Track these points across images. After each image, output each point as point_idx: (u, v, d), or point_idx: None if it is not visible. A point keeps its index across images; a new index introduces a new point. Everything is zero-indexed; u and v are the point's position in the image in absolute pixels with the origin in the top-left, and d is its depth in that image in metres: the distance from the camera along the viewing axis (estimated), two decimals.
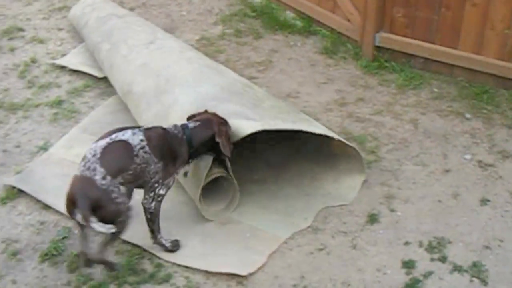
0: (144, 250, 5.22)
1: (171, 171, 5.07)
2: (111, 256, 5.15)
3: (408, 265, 5.08)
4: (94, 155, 4.76)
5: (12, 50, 7.69)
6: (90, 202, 4.57)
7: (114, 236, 4.83)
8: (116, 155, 4.83)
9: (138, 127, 5.09)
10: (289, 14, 8.05)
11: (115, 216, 4.68)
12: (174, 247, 5.24)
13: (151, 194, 5.04)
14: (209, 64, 6.39)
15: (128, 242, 5.27)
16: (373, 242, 5.27)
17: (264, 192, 5.74)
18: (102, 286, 4.98)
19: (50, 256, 5.25)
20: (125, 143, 4.86)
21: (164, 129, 5.09)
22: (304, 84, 6.97)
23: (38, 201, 5.66)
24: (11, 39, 7.95)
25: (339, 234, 5.35)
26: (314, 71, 7.21)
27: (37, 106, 6.85)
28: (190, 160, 5.22)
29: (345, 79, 7.07)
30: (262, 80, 6.97)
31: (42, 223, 5.44)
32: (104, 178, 4.67)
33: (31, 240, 5.38)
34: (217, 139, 5.09)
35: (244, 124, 5.27)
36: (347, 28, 7.48)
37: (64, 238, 5.39)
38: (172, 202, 5.51)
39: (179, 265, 5.11)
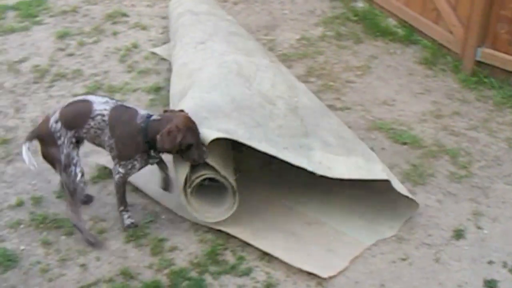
0: (228, 242, 5.29)
1: (127, 155, 5.16)
2: (194, 243, 5.25)
3: (490, 284, 4.97)
4: (64, 104, 5.27)
5: (114, 34, 7.86)
6: (36, 133, 5.20)
7: (67, 192, 5.24)
8: (75, 110, 5.19)
9: (122, 101, 5.45)
10: (391, 22, 8.01)
11: (52, 159, 5.17)
12: (130, 226, 5.40)
13: (114, 167, 5.25)
14: (247, 72, 6.03)
15: (213, 231, 5.35)
16: (456, 258, 5.19)
17: (352, 196, 5.69)
18: (183, 272, 5.04)
19: (135, 237, 5.34)
20: (88, 104, 5.17)
21: (136, 113, 5.17)
22: (400, 92, 6.92)
23: (128, 183, 5.78)
24: (114, 23, 8.12)
25: (423, 246, 5.29)
26: (412, 81, 7.15)
27: (134, 90, 6.99)
28: (153, 153, 5.22)
29: (442, 91, 7.00)
30: (359, 85, 6.95)
31: (130, 205, 5.53)
32: (56, 122, 5.11)
33: (118, 220, 5.49)
34: (158, 136, 5.04)
35: (210, 132, 5.19)
36: (448, 40, 7.41)
37: (150, 221, 5.48)
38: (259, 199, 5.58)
39: (260, 260, 5.13)
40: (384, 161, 5.67)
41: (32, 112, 6.64)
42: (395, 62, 7.40)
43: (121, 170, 5.22)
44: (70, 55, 7.55)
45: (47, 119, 5.18)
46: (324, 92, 6.82)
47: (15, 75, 7.26)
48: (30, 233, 5.42)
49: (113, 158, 5.25)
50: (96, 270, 5.11)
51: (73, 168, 5.16)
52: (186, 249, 5.24)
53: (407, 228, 5.42)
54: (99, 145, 5.31)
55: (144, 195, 5.71)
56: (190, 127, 5.03)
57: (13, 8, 8.56)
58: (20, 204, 5.64)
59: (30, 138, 5.19)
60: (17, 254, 5.25)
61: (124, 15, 8.25)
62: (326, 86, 6.90)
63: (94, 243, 5.29)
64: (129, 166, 5.21)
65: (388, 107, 6.69)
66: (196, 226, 5.42)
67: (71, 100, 5.35)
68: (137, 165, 5.25)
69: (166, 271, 5.07)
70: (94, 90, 6.91)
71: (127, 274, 5.03)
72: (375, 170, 5.43)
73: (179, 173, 5.31)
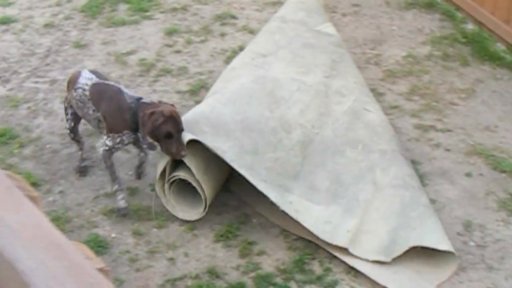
0: (317, 252, 5.28)
1: (116, 129, 5.36)
2: (283, 250, 5.27)
3: None
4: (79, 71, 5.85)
5: (222, 35, 7.94)
6: None
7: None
8: (70, 78, 5.76)
9: (114, 83, 5.73)
10: (500, 47, 7.86)
11: None
12: (121, 210, 5.55)
13: (102, 140, 5.47)
14: (281, 93, 5.99)
15: (303, 240, 5.35)
16: None
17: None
18: (268, 277, 5.06)
19: (225, 238, 5.39)
20: (77, 74, 5.69)
21: (120, 90, 5.46)
22: (504, 119, 6.77)
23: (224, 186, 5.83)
24: (223, 24, 8.20)
25: None
26: None
27: None
28: (139, 132, 5.40)
29: None
30: (462, 108, 6.83)
31: (224, 204, 5.59)
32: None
33: (209, 219, 5.54)
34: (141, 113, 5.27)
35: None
36: None
37: (241, 223, 5.52)
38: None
39: (347, 274, 5.11)
40: (481, 188, 5.58)
41: None
42: (501, 88, 7.25)
43: (108, 142, 5.39)
44: (177, 52, 7.66)
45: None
46: (426, 112, 6.74)
47: (122, 66, 7.41)
48: (122, 222, 5.53)
49: (101, 132, 5.54)
50: (183, 265, 5.18)
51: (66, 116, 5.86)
52: (274, 255, 5.26)
53: (498, 257, 5.31)
54: (83, 117, 5.69)
55: (237, 197, 5.76)
56: (174, 117, 5.22)
57: (125, 1, 8.74)
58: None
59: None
60: (107, 241, 5.37)
61: (233, 17, 8.32)
62: (429, 106, 6.81)
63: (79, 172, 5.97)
64: (117, 140, 5.39)
65: (490, 133, 6.56)
66: (286, 232, 5.44)
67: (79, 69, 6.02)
68: (125, 141, 5.45)
69: (252, 274, 5.10)
70: (197, 88, 6.99)
71: (213, 273, 5.09)
72: (341, 231, 5.30)
73: (158, 165, 5.54)
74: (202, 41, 7.85)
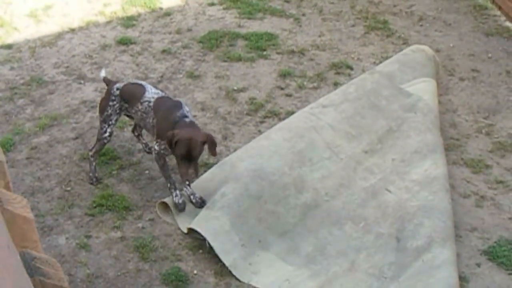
0: None
1: (161, 136, 5.73)
2: None
3: None
4: (128, 82, 6.44)
5: (335, 84, 7.84)
6: (106, 83, 6.44)
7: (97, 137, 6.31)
8: (132, 89, 6.13)
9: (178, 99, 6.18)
10: None
11: (100, 109, 6.23)
12: (179, 206, 5.84)
13: (153, 145, 5.95)
14: (311, 155, 6.22)
15: None
16: None
17: None
18: None
19: None
20: (141, 89, 6.06)
21: (180, 105, 5.83)
22: None
23: None
24: (337, 73, 8.14)
25: None
26: None
27: None
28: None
29: None
30: None
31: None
32: (117, 89, 6.17)
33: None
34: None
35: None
36: None
37: None
38: None
39: None
40: None
41: (238, 143, 6.75)
42: None
43: (156, 147, 5.82)
44: (288, 95, 7.64)
45: (115, 82, 6.31)
46: None
47: (231, 103, 7.43)
48: (206, 260, 5.51)
49: (153, 135, 5.95)
50: None
51: (106, 126, 6.13)
52: None
53: None
54: (144, 127, 6.13)
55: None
56: (189, 143, 5.45)
57: (244, 37, 8.80)
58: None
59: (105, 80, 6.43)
60: (188, 276, 5.35)
61: (349, 67, 8.25)
62: None
63: (93, 182, 6.24)
64: (162, 146, 5.75)
65: None
66: None
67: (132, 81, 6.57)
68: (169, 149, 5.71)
69: None
70: None
71: None
72: None
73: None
74: (315, 88, 7.80)
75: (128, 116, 6.33)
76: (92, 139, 6.66)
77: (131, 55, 8.27)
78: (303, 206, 5.83)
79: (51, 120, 7.05)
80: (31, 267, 2.26)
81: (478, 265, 5.58)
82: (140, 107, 5.96)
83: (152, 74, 7.90)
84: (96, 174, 6.26)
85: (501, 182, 6.49)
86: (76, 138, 6.81)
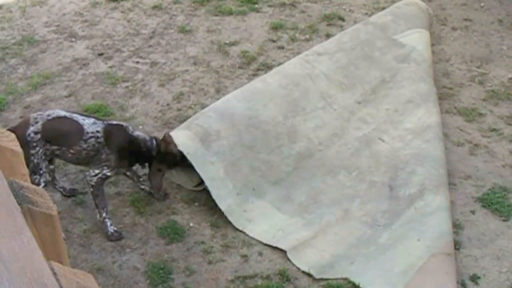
0: None
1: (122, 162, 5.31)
2: None
3: None
4: (49, 115, 5.15)
5: (327, 35, 7.81)
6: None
7: None
8: (60, 128, 5.13)
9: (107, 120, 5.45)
10: None
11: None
12: (115, 236, 5.31)
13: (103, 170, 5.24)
14: (304, 104, 6.25)
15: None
16: None
17: None
18: (339, 287, 5.02)
19: None
20: (78, 125, 5.14)
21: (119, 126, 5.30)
22: None
23: None
24: (329, 25, 8.10)
25: None
26: None
27: None
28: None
29: None
30: None
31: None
32: (35, 133, 5.05)
33: None
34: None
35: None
36: None
37: None
38: None
39: None
40: None
41: None
42: None
43: (106, 172, 5.28)
44: (280, 48, 7.62)
45: (26, 124, 5.12)
46: None
47: (223, 56, 7.42)
48: (202, 212, 5.55)
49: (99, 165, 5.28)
50: (256, 264, 5.17)
51: (37, 177, 5.13)
52: None
53: None
54: (85, 163, 5.34)
55: None
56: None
57: None
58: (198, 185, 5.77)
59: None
60: (185, 229, 5.39)
61: (341, 19, 8.21)
62: None
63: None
64: (115, 170, 5.36)
65: None
66: None
67: (52, 112, 5.23)
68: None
69: (322, 283, 5.03)
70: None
71: (284, 276, 5.06)
72: (290, 238, 5.34)
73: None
74: (307, 40, 7.78)
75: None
76: (85, 96, 6.66)
77: (122, 12, 8.22)
78: (297, 155, 5.88)
79: (44, 78, 7.03)
80: (19, 196, 2.24)
81: (473, 212, 5.63)
82: (84, 146, 5.17)
83: (143, 30, 7.86)
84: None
85: (494, 130, 6.51)
86: (69, 95, 6.79)
